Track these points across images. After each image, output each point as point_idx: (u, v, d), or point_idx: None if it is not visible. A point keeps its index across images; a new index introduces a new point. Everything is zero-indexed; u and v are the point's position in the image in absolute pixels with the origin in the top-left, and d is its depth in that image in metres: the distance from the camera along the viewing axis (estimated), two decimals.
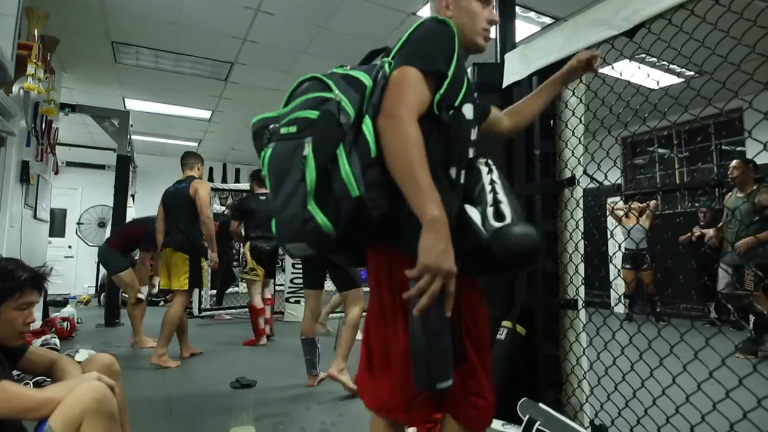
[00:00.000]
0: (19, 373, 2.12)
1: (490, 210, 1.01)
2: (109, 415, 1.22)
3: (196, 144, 9.03)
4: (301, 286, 5.86)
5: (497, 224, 0.99)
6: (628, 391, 1.66)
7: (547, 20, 4.31)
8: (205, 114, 7.28)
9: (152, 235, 3.87)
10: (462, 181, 1.10)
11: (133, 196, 7.12)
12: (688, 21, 1.44)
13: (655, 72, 5.12)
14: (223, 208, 7.45)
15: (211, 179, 6.62)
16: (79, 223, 7.60)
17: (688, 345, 1.44)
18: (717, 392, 1.34)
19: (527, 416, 1.69)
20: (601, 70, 1.92)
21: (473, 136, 1.16)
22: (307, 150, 0.94)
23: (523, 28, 4.25)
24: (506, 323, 1.96)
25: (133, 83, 6.05)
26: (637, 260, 5.53)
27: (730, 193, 4.02)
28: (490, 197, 1.03)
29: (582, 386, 1.83)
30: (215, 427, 2.12)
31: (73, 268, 8.84)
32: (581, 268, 1.88)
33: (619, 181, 6.65)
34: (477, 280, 1.11)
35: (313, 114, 0.97)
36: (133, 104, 6.78)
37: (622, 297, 5.59)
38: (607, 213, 5.65)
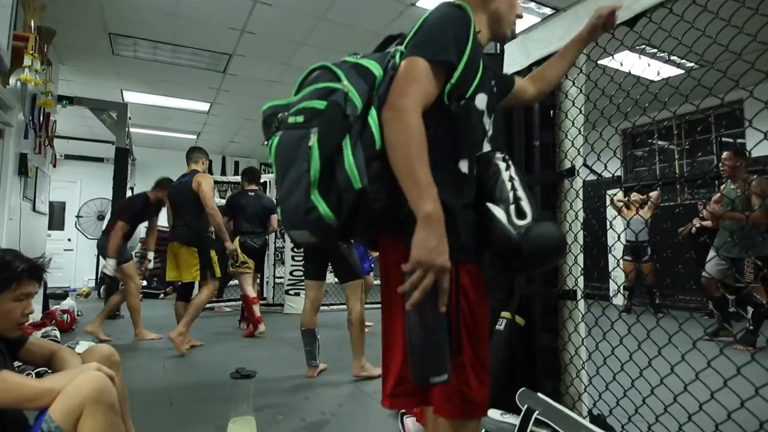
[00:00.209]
0: (20, 364, 2.14)
1: (512, 208, 1.00)
2: (109, 405, 1.22)
3: (195, 137, 9.01)
4: (301, 278, 5.94)
5: (521, 222, 0.99)
6: (626, 381, 1.67)
7: (548, 11, 4.29)
8: (204, 106, 7.26)
9: (141, 210, 4.14)
10: (474, 174, 1.07)
11: (132, 189, 7.11)
12: (689, 10, 1.43)
13: (656, 63, 5.10)
14: (224, 201, 7.45)
15: (210, 172, 6.61)
16: (78, 216, 7.60)
17: (686, 335, 1.45)
18: (715, 382, 1.35)
19: (526, 405, 1.70)
20: (601, 61, 1.93)
21: (488, 127, 1.12)
22: (313, 140, 0.94)
23: (523, 19, 4.22)
24: (505, 314, 1.97)
25: (131, 75, 6.02)
26: (637, 252, 5.53)
27: (723, 185, 4.01)
28: (510, 195, 1.02)
29: (580, 376, 1.84)
30: (215, 417, 2.13)
31: (73, 261, 8.86)
32: (580, 258, 1.88)
33: (618, 173, 6.65)
34: (482, 275, 1.08)
35: (320, 104, 0.97)
36: (131, 96, 6.75)
37: (621, 288, 5.59)
38: (608, 204, 5.65)
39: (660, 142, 7.21)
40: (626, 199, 5.52)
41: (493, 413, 1.76)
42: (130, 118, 5.84)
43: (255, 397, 2.08)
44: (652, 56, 4.79)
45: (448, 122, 1.01)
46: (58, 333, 3.70)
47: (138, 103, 6.90)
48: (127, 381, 1.72)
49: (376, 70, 0.99)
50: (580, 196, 1.89)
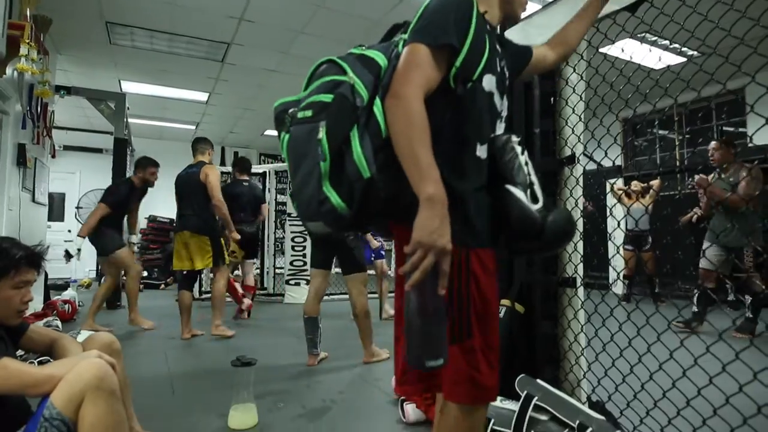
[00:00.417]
0: (23, 353, 2.15)
1: (528, 192, 1.02)
2: (111, 391, 1.23)
3: (194, 127, 8.97)
4: (301, 268, 5.97)
5: (535, 207, 1.00)
6: (625, 367, 1.68)
7: None
8: (203, 96, 7.22)
9: (126, 196, 4.16)
10: (484, 156, 1.06)
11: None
12: None
13: (657, 51, 5.06)
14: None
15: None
16: (78, 207, 7.59)
17: (683, 317, 1.44)
18: (714, 368, 1.35)
19: (525, 392, 1.71)
20: (602, 49, 1.91)
21: (500, 108, 1.12)
22: (321, 133, 0.96)
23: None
24: (505, 301, 1.97)
25: (128, 65, 5.98)
26: (638, 241, 5.53)
27: (713, 175, 3.98)
28: (527, 179, 1.03)
29: (579, 363, 1.85)
30: (217, 405, 2.15)
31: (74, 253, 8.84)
32: (580, 246, 1.88)
33: (619, 162, 6.63)
34: (494, 259, 1.07)
35: (327, 98, 0.99)
36: (129, 86, 6.71)
37: (620, 275, 5.60)
38: (608, 192, 5.64)
39: (660, 132, 7.18)
40: (626, 187, 5.51)
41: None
42: (128, 109, 5.81)
43: (256, 385, 2.09)
44: (653, 44, 4.76)
45: (455, 106, 1.02)
46: (59, 323, 3.72)
47: (136, 93, 6.86)
48: (129, 369, 1.73)
49: (381, 60, 1.00)
50: (581, 183, 1.89)
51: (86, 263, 8.74)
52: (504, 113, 1.14)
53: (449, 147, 1.00)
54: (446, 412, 1.05)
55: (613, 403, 1.74)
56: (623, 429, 1.63)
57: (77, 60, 5.77)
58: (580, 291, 1.86)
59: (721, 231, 3.79)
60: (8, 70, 3.36)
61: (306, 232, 5.98)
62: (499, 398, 1.77)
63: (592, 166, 3.80)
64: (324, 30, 4.93)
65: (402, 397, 2.08)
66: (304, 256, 5.97)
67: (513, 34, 2.06)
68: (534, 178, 1.04)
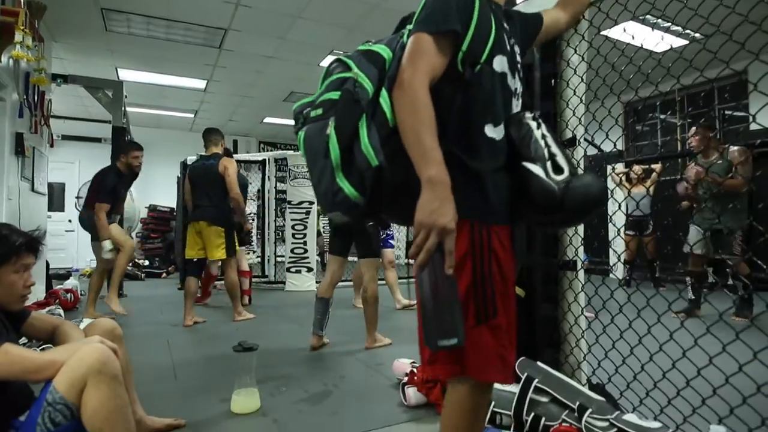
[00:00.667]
0: (27, 341, 2.16)
1: (548, 164, 1.02)
2: (113, 376, 1.23)
3: (192, 115, 8.93)
4: (301, 256, 6.00)
5: (559, 177, 1.01)
6: (625, 349, 1.69)
7: None
8: (200, 84, 7.17)
9: (115, 185, 3.99)
10: (499, 137, 1.07)
11: None
12: None
13: (658, 33, 5.00)
14: None
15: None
16: (78, 197, 7.58)
17: (685, 301, 1.45)
18: (714, 349, 1.35)
19: (525, 374, 1.71)
20: (603, 31, 1.88)
21: (513, 87, 1.13)
22: (330, 129, 1.02)
23: None
24: None
25: (125, 52, 5.93)
26: (640, 226, 5.52)
27: (693, 162, 3.94)
28: (545, 152, 1.04)
29: (580, 345, 1.85)
30: (219, 390, 2.16)
31: (75, 242, 8.87)
32: (581, 229, 1.87)
33: (620, 145, 6.59)
34: (510, 237, 1.11)
35: (335, 95, 1.06)
36: (126, 74, 6.66)
37: (621, 257, 5.60)
38: (608, 174, 5.61)
39: (662, 116, 7.13)
40: (627, 170, 5.47)
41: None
42: (126, 97, 5.77)
43: (258, 370, 2.11)
44: (654, 26, 4.70)
45: (465, 89, 1.04)
46: (62, 311, 3.73)
47: (133, 81, 6.81)
48: (131, 356, 1.74)
49: (385, 52, 1.05)
50: (582, 165, 1.88)
51: (87, 253, 8.77)
52: (519, 90, 1.16)
53: (461, 129, 1.03)
54: (461, 389, 1.06)
55: (613, 384, 1.75)
56: (623, 410, 1.64)
57: (73, 48, 5.72)
58: (581, 274, 1.86)
59: (705, 217, 3.76)
60: (3, 58, 3.33)
61: (306, 221, 6.01)
62: None
63: (593, 150, 3.77)
64: (321, 14, 4.87)
65: (403, 381, 2.09)
66: (305, 243, 5.99)
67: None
68: (556, 149, 1.04)
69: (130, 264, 7.35)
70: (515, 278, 1.14)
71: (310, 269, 6.01)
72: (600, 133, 1.86)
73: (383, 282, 4.45)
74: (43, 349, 1.76)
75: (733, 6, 1.31)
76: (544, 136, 1.05)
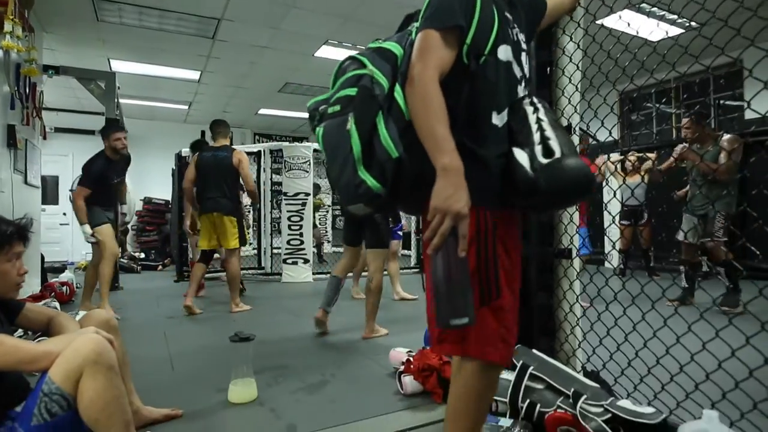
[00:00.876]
0: (23, 334, 2.16)
1: (538, 148, 1.04)
2: (109, 366, 1.23)
3: (187, 107, 8.86)
4: (298, 247, 6.01)
5: (545, 161, 1.03)
6: (620, 336, 1.70)
7: None
8: (194, 75, 7.10)
9: (102, 170, 3.75)
10: (501, 124, 1.11)
11: None
12: None
13: (653, 21, 4.99)
14: None
15: (204, 142, 6.53)
16: (72, 190, 7.51)
17: (680, 288, 1.46)
18: (707, 335, 1.36)
19: (521, 362, 1.73)
20: (599, 20, 1.87)
21: (519, 74, 1.17)
22: (350, 124, 1.07)
23: None
24: None
25: (117, 43, 5.86)
26: (635, 215, 5.54)
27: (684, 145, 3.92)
28: (537, 136, 1.06)
29: (575, 333, 1.87)
30: (216, 380, 2.17)
31: (70, 235, 8.84)
32: (576, 217, 1.88)
33: (615, 135, 6.59)
34: (516, 219, 1.18)
35: (352, 91, 1.10)
36: (118, 65, 6.59)
37: (616, 245, 5.61)
38: (602, 164, 5.61)
39: (657, 105, 7.13)
40: (621, 158, 5.47)
41: None
42: (119, 88, 5.71)
43: (255, 361, 2.11)
44: (649, 14, 4.68)
45: (471, 80, 1.08)
46: (57, 304, 3.71)
47: (126, 73, 6.74)
48: (128, 347, 1.74)
49: (396, 49, 1.11)
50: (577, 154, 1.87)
51: (82, 246, 8.74)
52: (526, 77, 1.20)
53: (469, 119, 1.08)
54: (466, 370, 1.10)
55: (608, 371, 1.77)
56: (617, 396, 1.66)
57: (64, 38, 5.65)
58: (576, 262, 1.87)
59: (690, 200, 3.75)
60: None
61: (302, 212, 6.00)
62: None
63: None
64: (316, 4, 4.82)
65: (399, 370, 2.10)
66: (301, 235, 5.99)
67: None
68: (550, 133, 1.05)
69: (126, 257, 7.35)
70: (520, 261, 1.19)
71: (306, 260, 6.02)
72: (595, 121, 1.86)
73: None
74: (38, 341, 1.76)
75: None
76: (539, 120, 1.08)
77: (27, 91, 4.17)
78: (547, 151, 1.03)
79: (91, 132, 8.75)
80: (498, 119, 1.10)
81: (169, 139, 8.97)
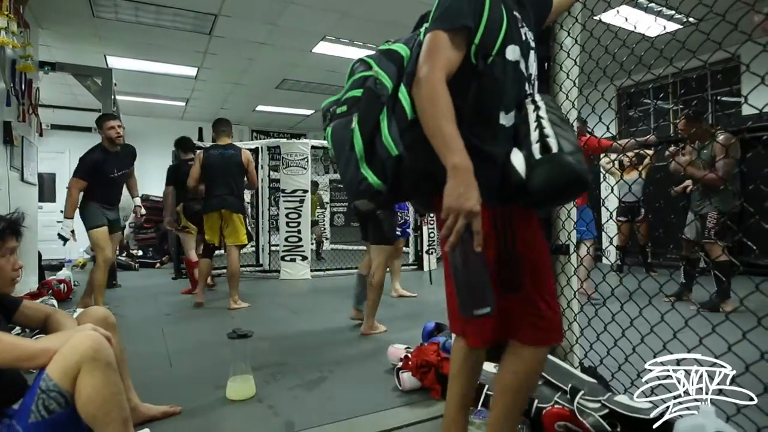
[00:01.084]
0: (20, 331, 2.16)
1: (536, 147, 1.06)
2: (107, 363, 1.23)
3: (184, 104, 8.83)
4: (296, 244, 6.01)
5: (540, 158, 1.05)
6: (617, 332, 1.70)
7: None
8: (191, 71, 7.07)
9: (97, 162, 3.67)
10: (509, 124, 1.14)
11: None
12: None
13: (651, 17, 4.98)
14: None
15: (201, 139, 6.51)
16: (68, 187, 7.49)
17: (677, 283, 1.46)
18: (704, 329, 1.37)
19: None
20: (596, 16, 1.87)
21: (527, 73, 1.18)
22: (354, 123, 1.12)
23: None
24: None
25: (113, 39, 5.82)
26: (632, 211, 5.54)
27: (688, 154, 3.90)
28: (535, 134, 1.08)
29: (572, 329, 1.87)
30: (214, 377, 2.17)
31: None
32: (573, 213, 1.88)
33: (613, 130, 6.58)
34: (532, 213, 1.22)
35: (358, 92, 1.16)
36: (115, 62, 6.55)
37: (612, 241, 5.62)
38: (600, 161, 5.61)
39: (655, 101, 7.13)
40: (616, 156, 5.46)
41: (488, 366, 1.79)
42: (115, 85, 5.68)
43: (253, 358, 2.12)
44: (646, 10, 4.68)
45: (479, 80, 1.10)
46: (55, 302, 3.72)
47: (123, 69, 6.70)
48: (126, 344, 1.74)
49: (403, 50, 1.14)
50: None
51: (80, 243, 8.71)
52: (534, 75, 1.23)
53: (477, 118, 1.10)
54: (515, 353, 1.20)
55: (605, 366, 1.77)
56: (615, 391, 1.66)
57: (60, 35, 5.61)
58: (573, 258, 1.87)
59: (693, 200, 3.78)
60: None
61: (300, 209, 5.99)
62: (493, 365, 1.80)
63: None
64: (313, 0, 4.80)
65: (397, 366, 2.11)
66: (299, 232, 5.98)
67: None
68: (549, 131, 1.06)
69: (124, 254, 7.33)
70: (548, 250, 1.27)
71: (304, 258, 6.01)
72: (593, 117, 1.86)
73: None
74: (36, 338, 1.76)
75: None
76: (539, 118, 1.09)
77: (23, 87, 4.15)
78: (545, 149, 1.04)
79: (88, 129, 8.69)
80: (505, 119, 1.13)
81: (166, 137, 8.89)
